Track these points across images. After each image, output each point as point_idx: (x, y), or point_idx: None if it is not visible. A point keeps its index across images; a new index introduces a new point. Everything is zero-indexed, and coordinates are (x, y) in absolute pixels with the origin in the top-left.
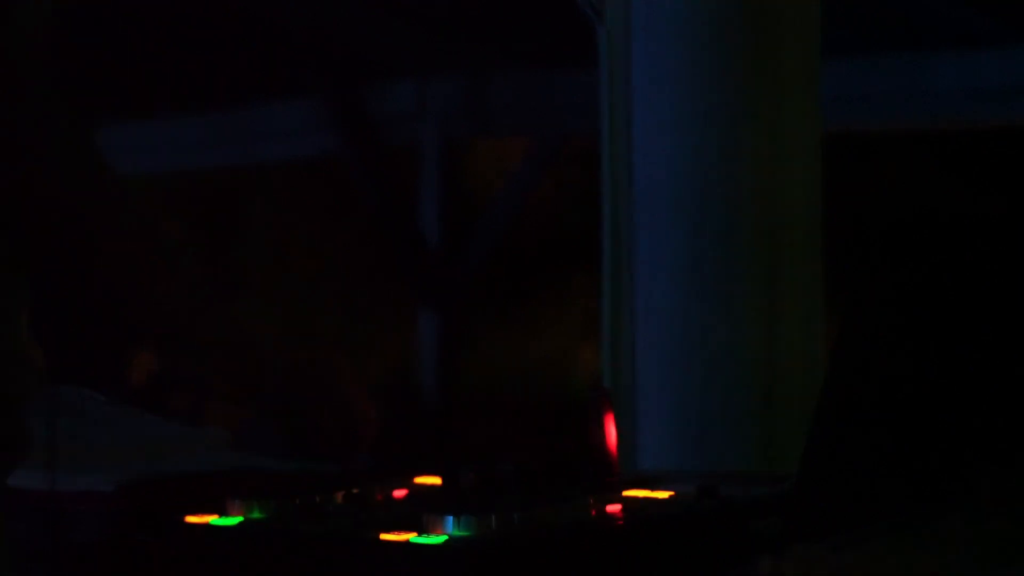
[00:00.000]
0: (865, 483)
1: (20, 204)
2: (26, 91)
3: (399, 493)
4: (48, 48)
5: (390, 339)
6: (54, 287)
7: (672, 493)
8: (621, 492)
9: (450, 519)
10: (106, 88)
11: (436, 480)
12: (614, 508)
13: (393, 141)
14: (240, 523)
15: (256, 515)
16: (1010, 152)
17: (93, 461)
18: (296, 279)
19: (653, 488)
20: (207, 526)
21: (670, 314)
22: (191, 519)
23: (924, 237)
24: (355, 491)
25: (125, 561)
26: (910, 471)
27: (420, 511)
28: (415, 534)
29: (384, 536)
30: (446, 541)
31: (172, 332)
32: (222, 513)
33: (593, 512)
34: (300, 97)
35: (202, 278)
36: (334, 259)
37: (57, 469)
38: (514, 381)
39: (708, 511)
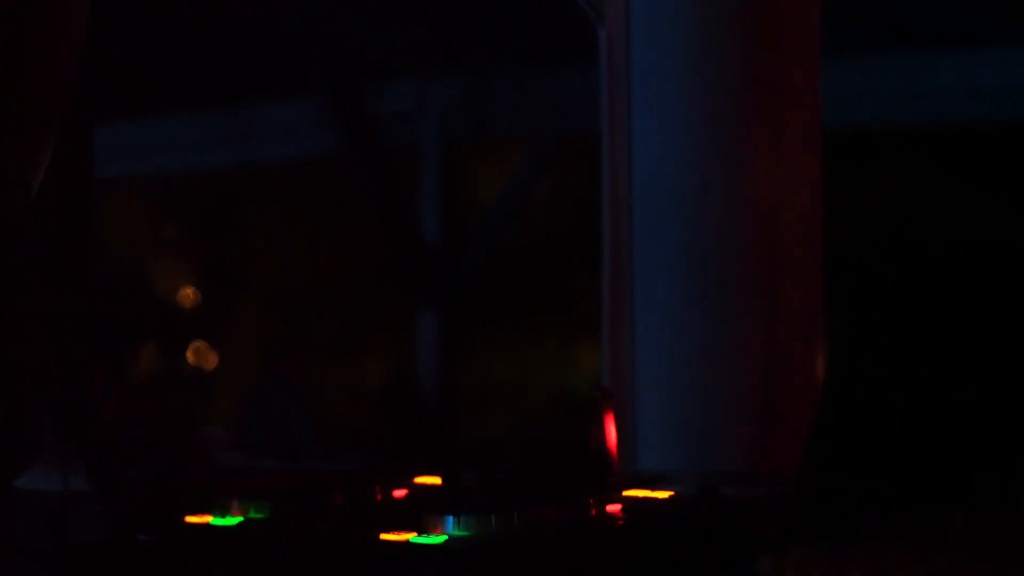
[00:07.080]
0: (865, 484)
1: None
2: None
3: (399, 493)
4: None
5: (389, 339)
6: (54, 287)
7: (672, 493)
8: (621, 492)
9: (450, 519)
10: (106, 88)
11: (436, 480)
12: (614, 508)
13: (393, 141)
14: (240, 523)
15: (256, 515)
16: (1010, 152)
17: None
18: (295, 279)
19: (653, 488)
20: (207, 526)
21: (670, 314)
22: (191, 519)
23: (926, 239)
24: (355, 491)
25: (125, 561)
26: (910, 471)
27: (420, 511)
28: (415, 534)
29: (384, 536)
30: (446, 541)
31: (171, 332)
32: (222, 513)
33: (593, 512)
34: (300, 97)
35: (201, 277)
36: (334, 259)
37: (57, 469)
38: (514, 381)
39: (708, 511)
